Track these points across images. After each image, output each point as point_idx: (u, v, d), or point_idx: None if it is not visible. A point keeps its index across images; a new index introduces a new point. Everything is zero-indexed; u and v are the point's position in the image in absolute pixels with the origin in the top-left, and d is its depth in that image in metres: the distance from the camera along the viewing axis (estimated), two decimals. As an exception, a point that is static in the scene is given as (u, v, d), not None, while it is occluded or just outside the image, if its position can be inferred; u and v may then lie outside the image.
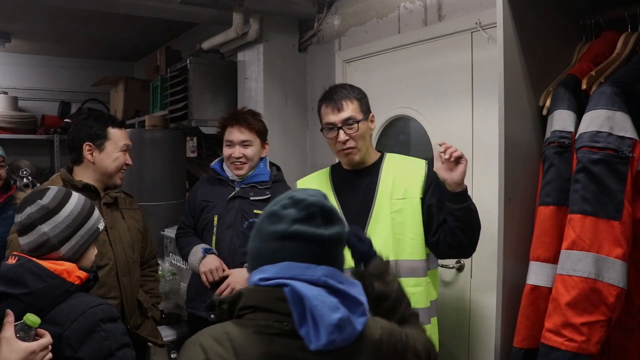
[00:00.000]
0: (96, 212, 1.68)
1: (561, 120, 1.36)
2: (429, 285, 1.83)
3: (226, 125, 2.44)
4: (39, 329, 1.39)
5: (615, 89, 1.25)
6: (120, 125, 2.25)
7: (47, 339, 1.39)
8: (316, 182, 2.02)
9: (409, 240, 1.80)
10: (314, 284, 1.03)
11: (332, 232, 1.07)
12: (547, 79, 1.49)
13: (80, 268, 1.58)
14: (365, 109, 1.89)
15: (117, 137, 2.20)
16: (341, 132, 1.85)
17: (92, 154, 2.15)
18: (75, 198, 1.64)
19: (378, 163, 1.93)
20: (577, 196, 1.26)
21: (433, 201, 1.78)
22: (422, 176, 1.84)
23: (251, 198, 2.44)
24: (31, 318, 1.37)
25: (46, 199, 1.58)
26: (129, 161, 2.24)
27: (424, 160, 1.90)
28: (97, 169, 2.17)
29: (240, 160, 2.39)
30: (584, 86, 1.35)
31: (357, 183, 1.93)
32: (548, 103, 1.43)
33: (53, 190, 1.63)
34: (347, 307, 1.04)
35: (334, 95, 1.90)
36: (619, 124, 1.23)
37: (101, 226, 1.67)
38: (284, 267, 1.04)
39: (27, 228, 1.56)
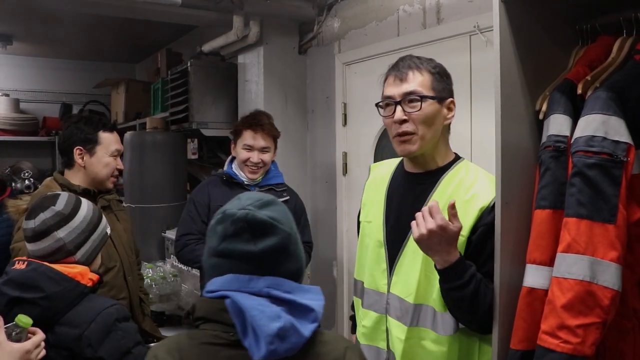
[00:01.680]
0: (104, 217, 1.73)
1: (557, 124, 1.36)
2: (460, 346, 1.44)
3: (246, 128, 2.46)
4: (30, 327, 1.42)
5: (610, 94, 1.26)
6: (112, 129, 2.25)
7: (39, 335, 1.43)
8: (379, 178, 1.69)
9: None
10: (257, 295, 1.03)
11: (263, 246, 1.04)
12: (544, 83, 1.50)
13: (93, 271, 1.63)
14: (441, 89, 1.49)
15: (108, 141, 2.20)
16: (398, 108, 1.46)
17: (82, 158, 2.17)
18: (86, 203, 1.69)
19: (443, 170, 1.53)
20: (572, 200, 1.26)
21: (472, 248, 1.43)
22: (479, 209, 1.43)
23: None
24: (23, 319, 1.40)
25: (59, 205, 1.62)
26: (121, 166, 2.25)
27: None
28: (88, 174, 2.18)
29: (258, 165, 2.44)
30: (579, 91, 1.36)
31: (410, 190, 1.56)
32: (544, 107, 1.44)
33: (64, 196, 1.66)
34: (294, 315, 1.02)
35: (400, 62, 1.52)
36: (614, 128, 1.24)
37: (108, 230, 1.73)
38: (228, 280, 1.05)
39: (41, 234, 1.58)
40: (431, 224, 1.33)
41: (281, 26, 3.25)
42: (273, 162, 2.57)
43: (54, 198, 1.65)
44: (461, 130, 2.28)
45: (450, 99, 1.52)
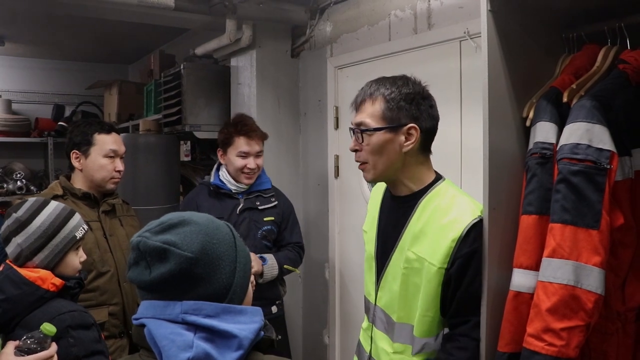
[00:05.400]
0: (74, 220, 1.69)
1: (543, 131, 1.40)
2: None
3: (239, 135, 2.46)
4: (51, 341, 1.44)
5: (595, 103, 1.30)
6: (109, 130, 2.25)
7: (44, 353, 1.43)
8: (378, 190, 1.70)
9: (419, 316, 1.46)
10: (173, 322, 0.97)
11: (156, 274, 0.98)
12: (531, 91, 1.53)
13: (60, 275, 1.61)
14: (395, 117, 1.42)
15: (103, 142, 2.20)
16: (353, 138, 1.47)
17: (79, 161, 2.19)
18: (50, 208, 1.67)
19: (421, 194, 1.49)
20: (557, 206, 1.30)
21: (453, 280, 1.41)
22: (452, 240, 1.40)
23: (260, 207, 2.50)
24: (47, 327, 1.41)
25: (20, 212, 1.64)
26: (119, 167, 2.23)
27: (470, 220, 1.41)
28: (86, 176, 2.19)
29: (254, 170, 2.46)
30: (565, 99, 1.40)
31: (394, 211, 1.56)
32: (531, 114, 1.47)
33: (30, 202, 1.67)
34: (214, 342, 0.96)
35: (363, 88, 1.50)
36: (598, 136, 1.28)
37: (79, 234, 1.69)
38: (146, 306, 1.01)
39: (5, 240, 1.63)
40: None
41: (274, 30, 3.26)
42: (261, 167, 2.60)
43: (21, 204, 1.66)
44: (451, 135, 2.31)
45: (410, 125, 1.42)
